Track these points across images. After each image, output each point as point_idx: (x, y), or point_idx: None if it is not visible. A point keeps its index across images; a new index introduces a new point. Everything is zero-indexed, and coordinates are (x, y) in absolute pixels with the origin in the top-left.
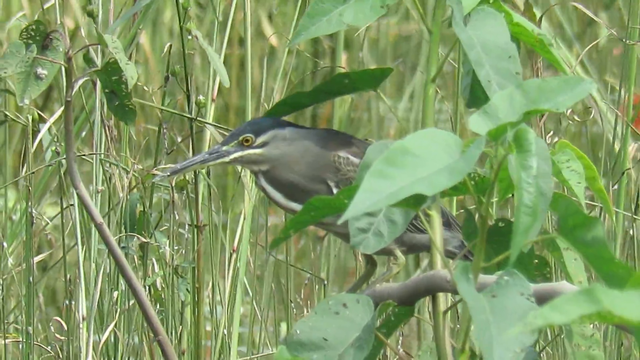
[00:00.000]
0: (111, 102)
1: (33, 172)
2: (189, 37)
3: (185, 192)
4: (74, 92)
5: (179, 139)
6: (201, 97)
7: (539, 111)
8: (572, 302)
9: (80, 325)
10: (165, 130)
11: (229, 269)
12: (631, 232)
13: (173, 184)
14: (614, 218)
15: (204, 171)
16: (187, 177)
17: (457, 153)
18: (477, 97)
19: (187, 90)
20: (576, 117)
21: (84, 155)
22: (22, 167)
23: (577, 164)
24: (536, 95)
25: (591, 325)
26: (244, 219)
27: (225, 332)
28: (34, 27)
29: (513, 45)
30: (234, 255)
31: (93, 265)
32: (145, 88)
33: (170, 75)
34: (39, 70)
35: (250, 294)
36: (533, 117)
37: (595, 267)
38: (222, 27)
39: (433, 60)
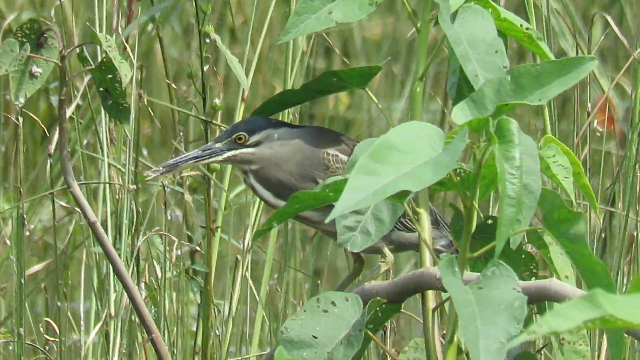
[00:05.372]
0: (105, 100)
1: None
2: (207, 40)
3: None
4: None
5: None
6: (217, 101)
7: (516, 105)
8: (576, 308)
9: (81, 325)
10: (182, 134)
11: (235, 271)
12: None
13: (177, 184)
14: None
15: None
16: (199, 176)
17: (441, 146)
18: (463, 95)
19: (202, 93)
20: (599, 128)
21: (83, 151)
22: (13, 167)
23: (563, 159)
24: (527, 81)
25: None
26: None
27: (219, 332)
28: (28, 25)
29: (500, 40)
30: (243, 257)
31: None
32: (173, 85)
33: (188, 78)
34: (34, 69)
35: (262, 295)
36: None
37: (575, 262)
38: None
39: (421, 59)
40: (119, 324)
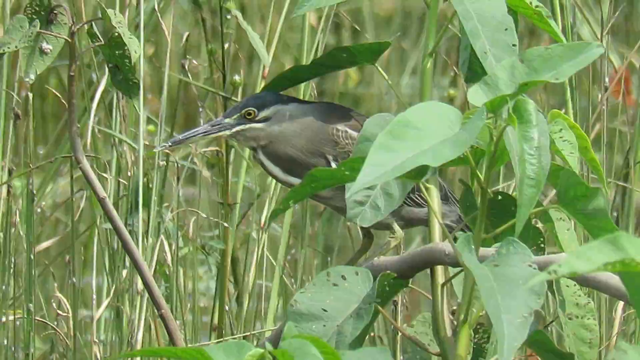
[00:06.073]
0: (115, 76)
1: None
2: (228, 16)
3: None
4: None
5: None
6: (237, 77)
7: (537, 82)
8: (597, 250)
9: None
10: (201, 109)
11: (249, 246)
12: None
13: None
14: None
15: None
16: (219, 154)
17: (457, 126)
18: (475, 71)
19: (223, 69)
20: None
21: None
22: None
23: (569, 134)
24: (539, 64)
25: (584, 294)
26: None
27: (236, 308)
28: (37, 2)
29: (510, 18)
30: (262, 232)
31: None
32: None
33: (208, 55)
34: (44, 45)
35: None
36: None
37: (597, 239)
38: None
39: (431, 34)
40: (132, 299)
